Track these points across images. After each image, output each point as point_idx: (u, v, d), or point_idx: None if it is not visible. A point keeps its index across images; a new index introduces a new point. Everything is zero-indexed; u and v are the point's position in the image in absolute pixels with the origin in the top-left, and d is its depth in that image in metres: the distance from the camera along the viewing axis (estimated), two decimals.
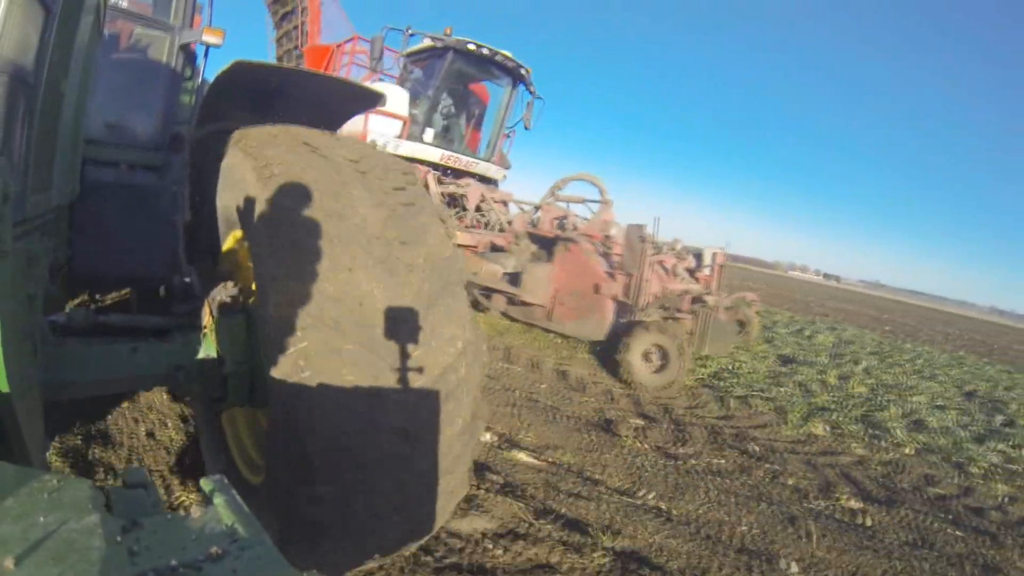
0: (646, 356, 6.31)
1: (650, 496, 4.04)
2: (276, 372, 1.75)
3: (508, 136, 9.85)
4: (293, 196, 1.87)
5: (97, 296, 4.74)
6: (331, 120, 3.24)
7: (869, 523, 4.23)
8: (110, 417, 3.44)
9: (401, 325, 1.81)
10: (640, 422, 5.54)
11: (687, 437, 5.34)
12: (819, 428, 6.27)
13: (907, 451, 6.07)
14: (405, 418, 1.80)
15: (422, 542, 2.10)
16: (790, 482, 4.74)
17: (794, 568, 3.41)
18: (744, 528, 3.79)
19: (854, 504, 4.49)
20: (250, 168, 2.02)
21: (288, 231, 1.82)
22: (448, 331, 1.94)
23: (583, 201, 8.62)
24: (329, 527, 1.77)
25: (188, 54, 3.00)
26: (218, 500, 0.82)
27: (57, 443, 3.01)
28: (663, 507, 3.91)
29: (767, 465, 5.03)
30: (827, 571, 3.46)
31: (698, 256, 8.82)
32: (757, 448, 5.39)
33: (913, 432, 6.70)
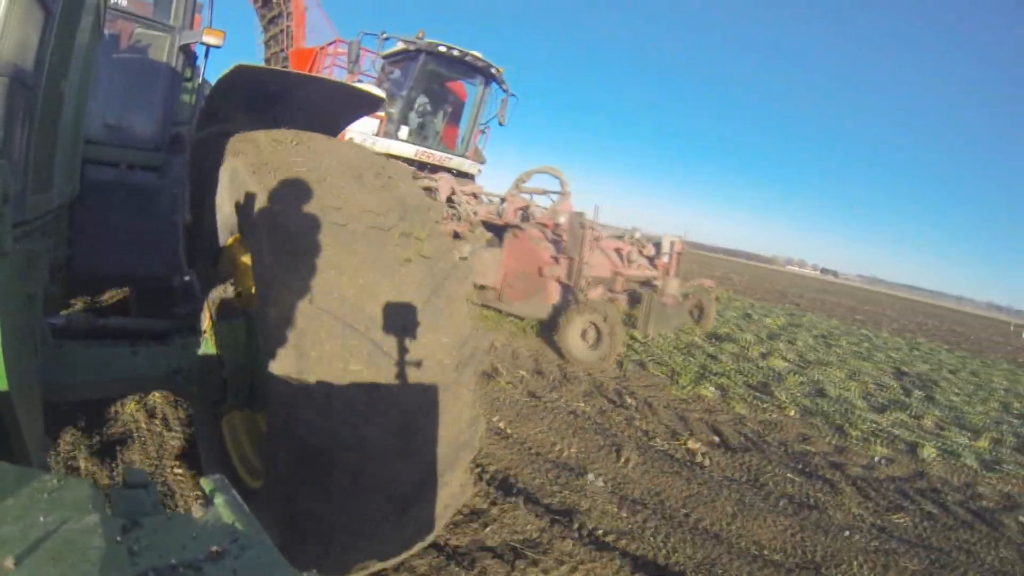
0: (583, 334, 6.69)
1: (498, 420, 4.43)
2: (276, 373, 1.75)
3: (483, 132, 10.22)
4: (292, 200, 1.87)
5: (96, 298, 4.74)
6: (331, 124, 3.24)
7: (703, 462, 4.48)
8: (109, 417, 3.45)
9: (400, 326, 1.81)
10: (527, 375, 5.83)
11: (565, 388, 5.62)
12: (709, 391, 6.46)
13: (791, 413, 6.28)
14: (405, 419, 1.80)
15: (424, 544, 2.09)
16: (642, 425, 5.01)
17: (598, 481, 3.74)
18: (570, 450, 4.14)
19: (697, 446, 4.73)
20: (250, 172, 2.03)
21: (287, 235, 1.82)
22: (447, 330, 1.94)
23: (544, 192, 9.02)
24: (329, 528, 1.76)
25: (188, 54, 3.00)
26: (218, 500, 0.82)
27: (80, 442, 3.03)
28: (504, 428, 4.31)
29: (629, 412, 5.27)
30: (628, 486, 3.76)
31: (657, 245, 9.31)
32: (632, 401, 5.64)
33: (807, 399, 6.91)
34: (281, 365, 1.75)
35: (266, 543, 0.74)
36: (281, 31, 11.63)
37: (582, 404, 5.21)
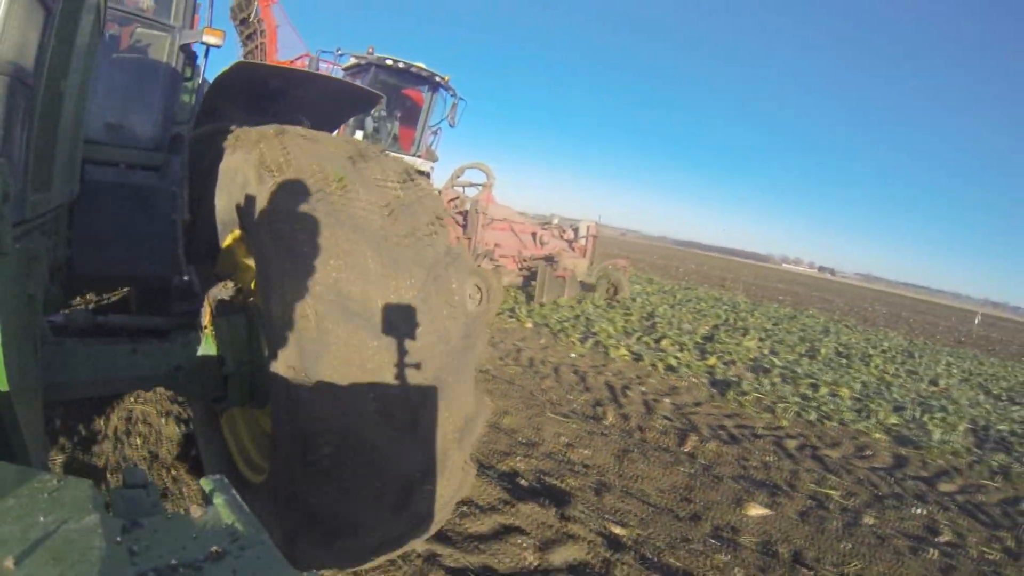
0: (471, 295, 8.04)
1: None
2: (279, 368, 1.75)
3: (435, 133, 11.29)
4: (293, 194, 1.87)
5: (96, 296, 4.73)
6: (328, 121, 3.24)
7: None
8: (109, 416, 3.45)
9: (401, 317, 1.82)
10: None
11: None
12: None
13: (528, 325, 8.42)
14: (405, 404, 1.80)
15: (424, 538, 2.10)
16: None
17: None
18: None
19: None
20: (250, 168, 2.02)
21: (289, 229, 1.82)
22: (446, 322, 1.94)
23: (471, 184, 10.53)
24: (334, 516, 1.76)
25: (188, 54, 2.99)
26: (218, 500, 0.82)
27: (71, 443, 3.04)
28: None
29: None
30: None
31: (576, 229, 11.35)
32: None
33: (552, 322, 8.76)
34: (284, 358, 1.75)
35: (266, 543, 0.74)
36: (257, 47, 12.42)
37: None
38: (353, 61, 10.26)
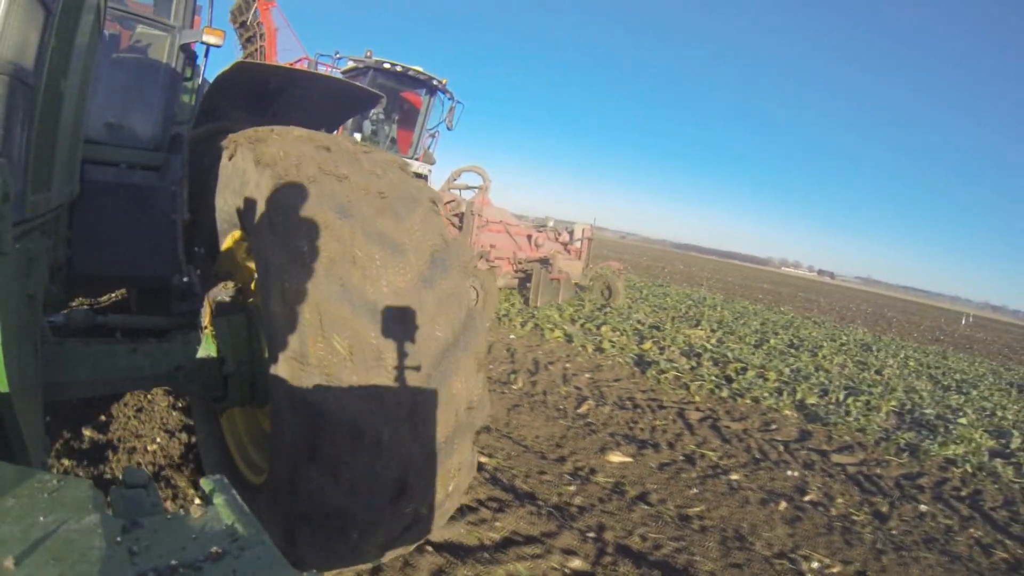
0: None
1: None
2: (278, 370, 1.75)
3: (432, 136, 11.33)
4: (291, 188, 1.87)
5: (96, 297, 4.73)
6: (328, 121, 3.24)
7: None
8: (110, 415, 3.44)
9: (402, 302, 1.81)
10: None
11: None
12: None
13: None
14: (405, 391, 1.79)
15: (425, 537, 2.09)
16: None
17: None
18: None
19: None
20: (251, 167, 2.03)
21: (288, 221, 1.82)
22: (446, 313, 1.93)
23: (468, 187, 10.66)
24: (336, 507, 1.75)
25: (188, 54, 2.99)
26: (218, 500, 0.82)
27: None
28: None
29: None
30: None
31: (571, 232, 11.60)
32: None
33: (502, 309, 9.38)
34: (283, 360, 1.74)
35: (266, 543, 0.74)
36: (256, 50, 12.53)
37: None
38: (351, 64, 10.32)
